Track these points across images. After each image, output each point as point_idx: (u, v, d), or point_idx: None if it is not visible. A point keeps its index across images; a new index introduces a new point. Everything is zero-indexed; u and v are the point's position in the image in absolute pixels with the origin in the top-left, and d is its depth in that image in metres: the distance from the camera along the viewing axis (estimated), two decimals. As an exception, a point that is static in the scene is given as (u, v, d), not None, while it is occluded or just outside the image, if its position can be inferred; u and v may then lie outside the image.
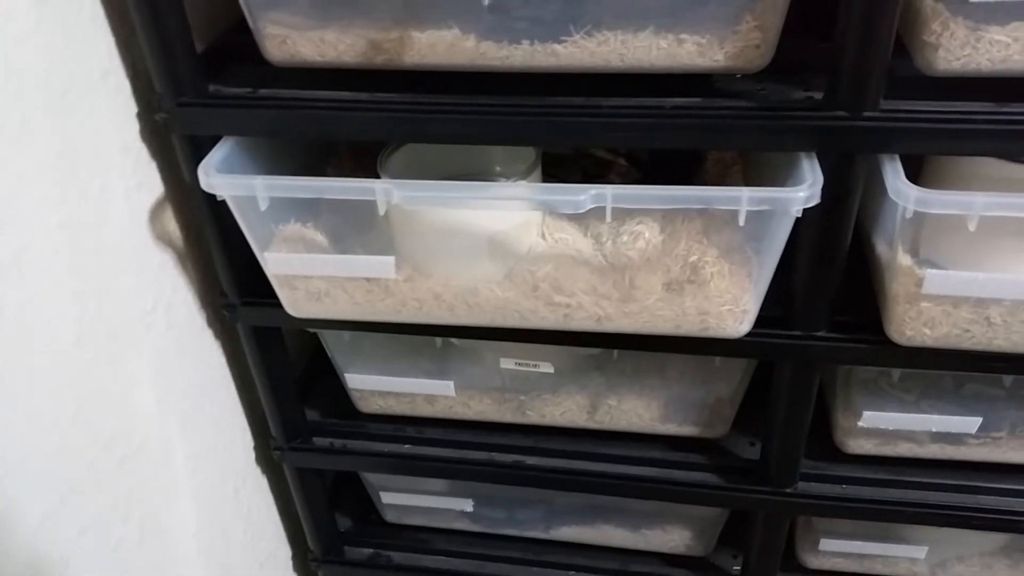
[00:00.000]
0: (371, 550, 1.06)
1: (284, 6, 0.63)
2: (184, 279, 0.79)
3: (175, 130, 0.67)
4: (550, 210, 0.66)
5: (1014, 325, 0.65)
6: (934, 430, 0.81)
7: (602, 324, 0.70)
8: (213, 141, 0.68)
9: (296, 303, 0.73)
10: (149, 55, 0.64)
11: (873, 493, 0.83)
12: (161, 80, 0.65)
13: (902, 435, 0.82)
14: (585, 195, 0.60)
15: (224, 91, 0.68)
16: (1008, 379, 0.79)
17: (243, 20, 0.64)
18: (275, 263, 0.70)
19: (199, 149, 0.67)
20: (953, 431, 0.80)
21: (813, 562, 0.98)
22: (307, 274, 0.70)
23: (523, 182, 0.68)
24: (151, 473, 0.77)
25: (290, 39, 0.64)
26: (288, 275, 0.70)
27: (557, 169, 0.80)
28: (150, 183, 0.73)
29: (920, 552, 0.93)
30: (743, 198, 0.59)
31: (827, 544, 0.94)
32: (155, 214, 0.73)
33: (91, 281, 0.67)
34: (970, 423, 0.79)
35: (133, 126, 0.70)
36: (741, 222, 0.60)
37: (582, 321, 0.70)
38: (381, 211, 0.62)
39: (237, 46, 0.70)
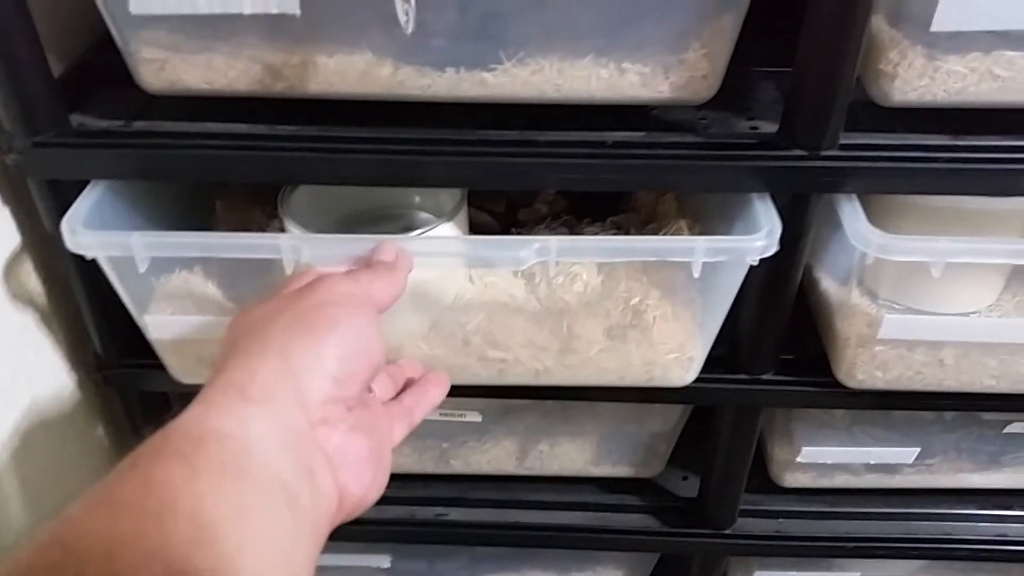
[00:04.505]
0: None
1: (161, 25, 0.53)
2: (50, 339, 0.67)
3: (30, 175, 0.56)
4: (486, 264, 0.58)
5: (964, 365, 0.63)
6: (872, 462, 0.79)
7: (540, 378, 0.63)
8: (80, 184, 0.57)
9: (185, 369, 0.62)
10: (-7, 85, 0.53)
11: (810, 527, 0.81)
12: (10, 115, 0.53)
13: (840, 467, 0.80)
14: (527, 250, 0.52)
15: (90, 125, 0.57)
16: (946, 408, 0.77)
17: (110, 35, 0.54)
18: (157, 328, 0.59)
19: (62, 194, 0.56)
20: (892, 462, 0.78)
21: (746, 593, 0.95)
22: (196, 338, 0.60)
23: (450, 224, 0.60)
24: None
25: (170, 64, 0.54)
26: (174, 339, 0.60)
27: (480, 199, 0.73)
28: (3, 234, 0.61)
29: (853, 577, 0.92)
30: (698, 249, 0.53)
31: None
32: (10, 270, 0.62)
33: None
34: (908, 453, 0.77)
35: (-22, 170, 0.58)
36: (696, 274, 0.54)
37: (519, 376, 0.63)
38: (288, 271, 0.53)
39: (105, 66, 0.59)
